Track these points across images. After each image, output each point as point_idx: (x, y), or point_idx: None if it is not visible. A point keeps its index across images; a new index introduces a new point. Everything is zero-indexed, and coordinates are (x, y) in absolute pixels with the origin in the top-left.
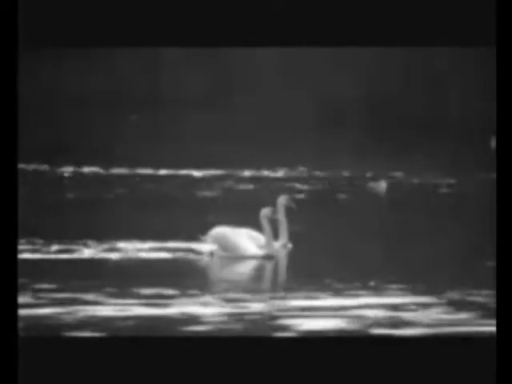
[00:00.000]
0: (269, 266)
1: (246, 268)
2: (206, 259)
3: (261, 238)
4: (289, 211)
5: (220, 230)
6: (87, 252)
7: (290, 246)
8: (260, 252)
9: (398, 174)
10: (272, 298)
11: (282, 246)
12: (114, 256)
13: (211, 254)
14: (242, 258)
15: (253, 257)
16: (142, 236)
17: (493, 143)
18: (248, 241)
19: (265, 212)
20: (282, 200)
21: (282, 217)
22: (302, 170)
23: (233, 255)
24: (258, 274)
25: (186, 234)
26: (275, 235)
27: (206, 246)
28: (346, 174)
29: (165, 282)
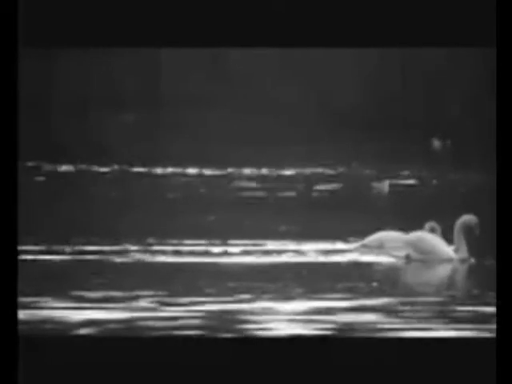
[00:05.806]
0: (464, 269)
1: (444, 271)
2: (400, 262)
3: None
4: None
5: (419, 234)
6: (216, 253)
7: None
8: (456, 256)
9: (398, 174)
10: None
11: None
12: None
13: (407, 257)
14: (439, 261)
15: (449, 260)
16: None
17: (435, 144)
18: (445, 244)
19: (463, 220)
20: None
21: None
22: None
23: (429, 258)
24: (456, 277)
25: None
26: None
27: (400, 250)
28: (346, 174)
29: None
